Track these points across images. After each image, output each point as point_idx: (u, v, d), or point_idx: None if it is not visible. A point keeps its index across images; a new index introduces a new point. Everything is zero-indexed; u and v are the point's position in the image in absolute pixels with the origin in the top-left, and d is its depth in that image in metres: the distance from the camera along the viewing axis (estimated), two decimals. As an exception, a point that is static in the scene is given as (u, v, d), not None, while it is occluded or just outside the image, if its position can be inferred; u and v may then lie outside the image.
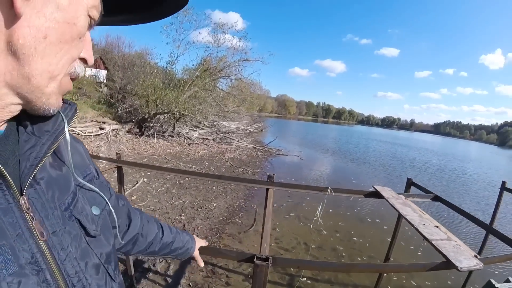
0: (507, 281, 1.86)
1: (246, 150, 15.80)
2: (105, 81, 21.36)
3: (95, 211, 0.64)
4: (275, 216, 6.55)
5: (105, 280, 0.59)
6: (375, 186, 3.28)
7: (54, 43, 0.43)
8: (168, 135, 15.06)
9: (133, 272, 3.63)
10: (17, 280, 0.40)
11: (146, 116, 14.59)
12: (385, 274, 4.34)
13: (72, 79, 0.52)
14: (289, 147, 19.87)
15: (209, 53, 17.56)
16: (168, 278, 3.97)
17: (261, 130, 25.28)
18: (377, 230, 6.74)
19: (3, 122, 0.47)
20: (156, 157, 11.17)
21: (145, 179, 7.83)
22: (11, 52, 0.40)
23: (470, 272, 4.69)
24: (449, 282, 4.96)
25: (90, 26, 0.51)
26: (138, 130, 14.48)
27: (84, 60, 0.53)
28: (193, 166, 10.66)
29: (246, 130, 20.32)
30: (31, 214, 0.47)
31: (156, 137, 14.30)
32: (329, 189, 3.14)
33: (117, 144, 11.63)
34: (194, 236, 1.33)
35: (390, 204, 2.84)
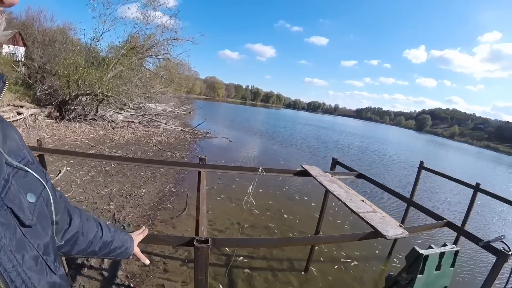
0: (430, 247, 2.14)
1: (174, 133, 15.51)
2: (23, 59, 19.14)
3: (31, 198, 0.59)
4: (206, 199, 6.61)
5: (45, 272, 0.56)
6: (303, 165, 3.51)
7: None
8: (90, 119, 14.04)
9: (66, 270, 3.46)
10: None
11: (66, 98, 13.37)
12: (316, 247, 4.72)
13: None
14: (218, 130, 19.96)
15: (137, 30, 16.48)
16: (104, 272, 3.85)
17: (189, 113, 24.87)
18: (305, 207, 7.23)
19: None
20: (78, 143, 10.42)
21: (68, 168, 7.30)
22: None
23: (395, 242, 5.32)
24: (376, 252, 5.56)
25: None
26: (58, 114, 13.23)
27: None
28: (119, 152, 10.18)
29: (174, 112, 19.86)
30: None
31: (78, 121, 13.24)
32: (260, 169, 3.29)
33: (36, 130, 10.58)
34: (132, 234, 1.30)
35: (318, 181, 3.08)
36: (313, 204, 7.40)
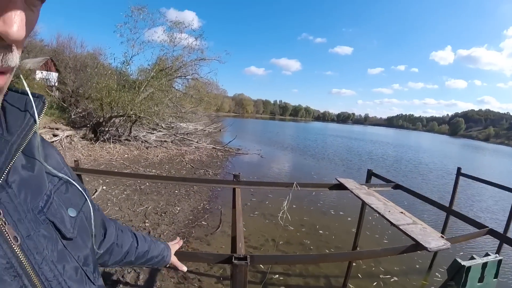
0: (472, 258, 1.98)
1: (206, 151, 15.68)
2: (56, 84, 20.26)
3: (71, 213, 0.61)
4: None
5: (85, 282, 0.58)
6: (338, 179, 3.39)
7: None
8: (124, 139, 14.54)
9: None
10: None
11: (100, 120, 13.98)
12: (354, 263, 4.51)
13: None
14: (249, 146, 19.98)
15: (164, 53, 17.16)
16: None
17: (220, 130, 25.22)
18: (341, 222, 7.00)
19: None
20: (113, 163, 10.75)
21: (104, 187, 7.51)
22: None
23: (435, 254, 5.02)
24: (416, 266, 5.26)
25: None
26: (93, 135, 13.84)
27: None
28: (153, 170, 10.40)
29: (205, 130, 20.16)
30: (3, 219, 0.45)
31: (112, 141, 13.76)
32: (294, 184, 3.21)
33: (72, 151, 11.06)
34: (169, 243, 1.32)
35: (355, 194, 2.95)
36: (349, 218, 7.15)
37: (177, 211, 6.76)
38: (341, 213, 7.63)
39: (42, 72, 21.77)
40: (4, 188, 0.48)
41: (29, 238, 0.48)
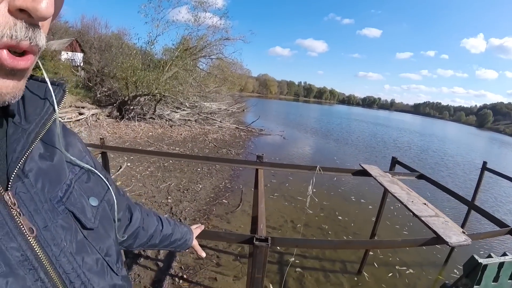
0: (489, 256, 1.92)
1: (229, 131, 15.76)
2: (82, 64, 20.69)
3: (93, 202, 0.60)
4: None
5: (106, 273, 0.57)
6: (362, 165, 3.33)
7: None
8: (149, 118, 14.79)
9: (124, 259, 3.62)
10: (4, 280, 0.38)
11: (126, 99, 14.24)
12: (371, 252, 4.48)
13: (14, 48, 0.38)
14: (272, 127, 19.90)
15: (189, 32, 17.13)
16: (159, 263, 3.99)
17: (243, 110, 25.15)
18: (361, 210, 6.92)
19: None
20: (138, 140, 11.00)
21: (129, 164, 7.72)
22: None
23: (452, 249, 4.90)
24: (432, 259, 5.17)
25: None
26: (118, 113, 14.15)
27: (23, 13, 0.37)
28: (176, 148, 10.56)
29: (228, 110, 20.18)
30: (18, 210, 0.45)
31: (137, 120, 14.03)
32: (317, 168, 3.17)
33: (98, 129, 11.37)
34: (191, 227, 1.34)
35: (378, 181, 2.89)
36: (370, 207, 7.03)
37: (199, 188, 6.88)
38: (362, 200, 7.52)
39: (67, 53, 22.24)
40: (20, 178, 0.47)
41: (46, 229, 0.48)
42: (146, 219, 1.02)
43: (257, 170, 3.08)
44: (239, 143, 13.35)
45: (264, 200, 5.86)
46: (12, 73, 0.39)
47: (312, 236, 5.38)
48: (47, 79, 0.54)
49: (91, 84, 16.36)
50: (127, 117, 13.95)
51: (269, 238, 1.77)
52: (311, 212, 6.27)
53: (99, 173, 0.66)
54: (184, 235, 1.20)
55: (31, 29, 0.38)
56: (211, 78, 18.76)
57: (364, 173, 3.20)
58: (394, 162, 3.96)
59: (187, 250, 1.30)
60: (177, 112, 16.35)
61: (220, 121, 17.07)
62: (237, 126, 16.97)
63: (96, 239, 0.57)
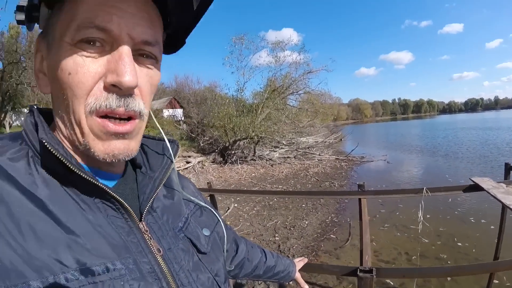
0: None
1: (329, 163, 15.50)
2: (183, 118, 23.02)
3: (206, 232, 0.72)
4: (370, 228, 6.22)
5: None
6: (472, 179, 2.94)
7: (60, 96, 0.48)
8: (250, 159, 15.50)
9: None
10: (137, 283, 0.48)
11: (226, 145, 15.30)
12: (495, 281, 3.80)
13: (110, 114, 0.48)
14: (373, 152, 18.88)
15: (273, 73, 18.12)
16: None
17: (340, 140, 24.63)
18: (483, 231, 5.90)
19: (120, 168, 0.61)
20: (242, 182, 11.54)
21: (235, 204, 8.09)
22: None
23: None
24: None
25: (111, 43, 0.47)
26: (221, 158, 15.22)
27: (114, 87, 0.47)
28: (279, 186, 10.75)
29: (325, 142, 20.00)
30: (149, 235, 0.56)
31: (240, 163, 14.83)
32: (424, 190, 2.93)
33: (204, 175, 12.30)
34: (295, 260, 1.37)
35: (491, 194, 2.51)
36: (492, 227, 5.92)
37: (305, 225, 6.80)
38: (482, 221, 6.41)
39: (168, 110, 25.13)
40: (150, 213, 0.60)
41: (170, 250, 0.58)
42: (251, 251, 1.10)
43: (360, 199, 2.99)
44: (342, 174, 12.99)
45: (374, 232, 5.55)
46: (120, 136, 0.49)
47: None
48: (165, 138, 0.70)
49: (193, 135, 18.04)
50: (229, 161, 14.87)
51: (373, 269, 1.67)
52: (426, 241, 5.61)
53: (210, 208, 0.79)
54: (287, 267, 1.25)
55: (123, 99, 0.48)
56: (303, 113, 19.02)
57: (475, 188, 2.81)
58: (508, 169, 3.42)
59: (291, 283, 1.33)
60: (276, 151, 16.81)
61: (319, 154, 16.95)
62: (336, 157, 16.59)
63: (208, 261, 0.67)
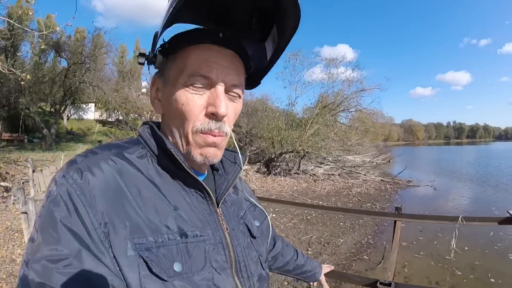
0: None
1: (373, 184, 15.25)
2: (232, 127, 23.74)
3: (257, 223, 0.92)
4: (405, 254, 6.19)
5: (258, 265, 0.83)
6: (510, 211, 2.98)
7: (174, 118, 0.71)
8: (294, 173, 15.67)
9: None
10: (212, 247, 0.69)
11: (272, 156, 15.60)
12: None
13: (210, 134, 0.69)
14: (421, 177, 18.20)
15: (325, 90, 18.14)
16: None
17: (389, 161, 23.83)
18: None
19: (205, 169, 0.81)
20: (283, 194, 11.75)
21: (274, 215, 8.35)
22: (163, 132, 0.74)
23: None
24: None
25: (206, 84, 0.68)
26: (266, 169, 15.56)
27: (213, 115, 0.68)
28: (320, 202, 10.81)
29: (373, 162, 19.49)
30: (222, 217, 0.77)
31: (283, 175, 15.07)
32: (460, 218, 3.01)
33: (248, 183, 12.64)
34: (322, 265, 1.56)
35: None
36: None
37: (340, 242, 6.90)
38: None
39: None
40: (223, 203, 0.80)
41: (233, 230, 0.78)
42: (285, 248, 1.31)
43: (395, 221, 3.14)
44: (385, 197, 12.76)
45: (409, 259, 5.62)
46: (214, 145, 0.71)
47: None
48: (238, 150, 0.90)
49: (241, 144, 18.55)
50: (273, 172, 15.16)
51: (392, 283, 1.85)
52: (459, 273, 5.48)
53: (261, 207, 1.04)
54: (314, 269, 1.43)
55: (218, 123, 0.69)
56: (352, 130, 18.76)
57: (511, 220, 2.87)
58: None
59: (315, 283, 1.54)
60: (321, 167, 16.83)
61: (364, 174, 16.70)
62: (382, 179, 16.25)
63: (256, 244, 0.87)
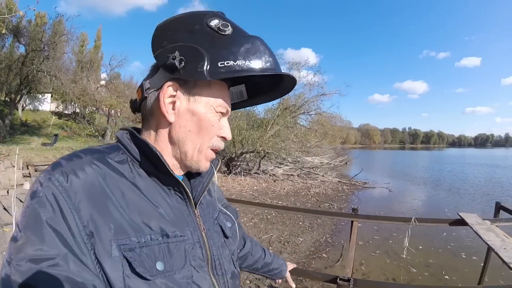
0: None
1: (331, 185, 15.61)
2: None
3: (229, 224, 0.96)
4: (362, 252, 6.37)
5: (231, 263, 0.88)
6: (460, 214, 3.16)
7: (196, 132, 0.77)
8: (254, 173, 15.73)
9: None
10: (191, 246, 0.73)
11: (233, 156, 15.54)
12: None
13: (214, 151, 0.82)
14: (376, 179, 18.95)
15: (287, 93, 18.23)
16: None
17: (346, 163, 24.62)
18: (472, 267, 5.93)
19: (182, 173, 0.85)
20: (244, 193, 11.74)
21: (235, 215, 8.27)
22: (172, 142, 0.78)
23: None
24: None
25: (224, 114, 0.82)
26: (226, 168, 15.47)
27: (223, 138, 0.83)
28: (279, 202, 10.91)
29: (330, 164, 20.06)
30: (199, 218, 0.82)
31: (243, 174, 15.09)
32: (413, 219, 3.14)
33: (209, 183, 12.56)
34: (287, 262, 1.63)
35: (474, 230, 2.74)
36: (481, 264, 6.04)
37: (299, 241, 6.98)
38: (474, 257, 6.44)
39: None
40: (200, 204, 0.84)
41: (209, 230, 0.83)
42: (254, 247, 1.36)
43: (352, 222, 3.21)
44: (342, 197, 13.10)
45: (366, 257, 5.77)
46: (210, 160, 0.84)
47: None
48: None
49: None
50: (234, 172, 15.13)
51: (352, 279, 1.88)
52: (414, 270, 5.73)
53: (230, 210, 1.04)
54: (280, 266, 1.51)
55: (223, 143, 0.84)
56: (312, 133, 19.17)
57: (461, 222, 3.04)
58: (498, 207, 3.64)
59: (280, 281, 1.60)
60: (280, 167, 17.02)
61: (323, 175, 17.08)
62: (339, 180, 16.70)
63: (229, 244, 0.92)
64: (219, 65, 0.67)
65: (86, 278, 0.55)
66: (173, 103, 0.76)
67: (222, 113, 0.81)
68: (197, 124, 0.77)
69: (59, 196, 0.58)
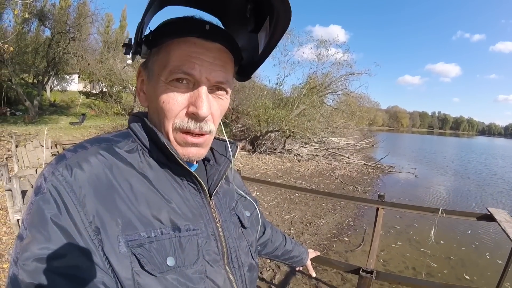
0: None
1: (356, 167, 15.43)
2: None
3: (247, 213, 0.93)
4: (384, 238, 6.29)
5: (248, 256, 0.85)
6: (489, 208, 3.03)
7: (157, 115, 0.69)
8: (279, 152, 15.72)
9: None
10: (205, 240, 0.70)
11: (258, 134, 15.60)
12: None
13: (189, 133, 0.68)
14: (403, 164, 18.51)
15: (314, 71, 17.97)
16: (272, 286, 4.26)
17: (372, 146, 24.07)
18: (495, 271, 5.40)
19: (195, 162, 0.80)
20: (268, 172, 11.82)
21: (258, 193, 8.40)
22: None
23: None
24: None
25: (188, 81, 0.66)
26: (251, 147, 15.55)
27: (193, 115, 0.67)
28: (303, 182, 10.94)
29: (356, 146, 19.70)
30: (214, 209, 0.77)
31: (268, 153, 15.11)
32: (440, 211, 3.05)
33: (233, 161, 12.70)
34: (309, 250, 1.59)
35: (502, 227, 2.64)
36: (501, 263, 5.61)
37: (321, 223, 7.02)
38: (498, 261, 5.89)
39: None
40: (216, 194, 0.81)
41: (225, 222, 0.79)
42: (274, 234, 1.33)
43: (377, 209, 3.15)
44: (367, 181, 12.94)
45: (388, 243, 5.67)
46: (194, 145, 0.71)
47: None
48: (227, 141, 0.90)
49: (227, 121, 18.43)
50: (258, 150, 15.18)
51: (374, 271, 1.88)
52: (435, 265, 5.55)
53: (250, 198, 1.02)
54: (301, 254, 1.47)
55: (198, 123, 0.68)
56: (339, 113, 18.88)
57: (489, 218, 2.91)
58: None
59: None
60: (305, 147, 16.92)
61: (348, 157, 16.89)
62: (365, 163, 16.40)
63: (247, 235, 0.88)
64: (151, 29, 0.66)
65: (95, 276, 0.54)
66: (143, 86, 0.75)
67: (178, 84, 0.66)
68: (155, 104, 0.70)
69: (63, 191, 0.57)
